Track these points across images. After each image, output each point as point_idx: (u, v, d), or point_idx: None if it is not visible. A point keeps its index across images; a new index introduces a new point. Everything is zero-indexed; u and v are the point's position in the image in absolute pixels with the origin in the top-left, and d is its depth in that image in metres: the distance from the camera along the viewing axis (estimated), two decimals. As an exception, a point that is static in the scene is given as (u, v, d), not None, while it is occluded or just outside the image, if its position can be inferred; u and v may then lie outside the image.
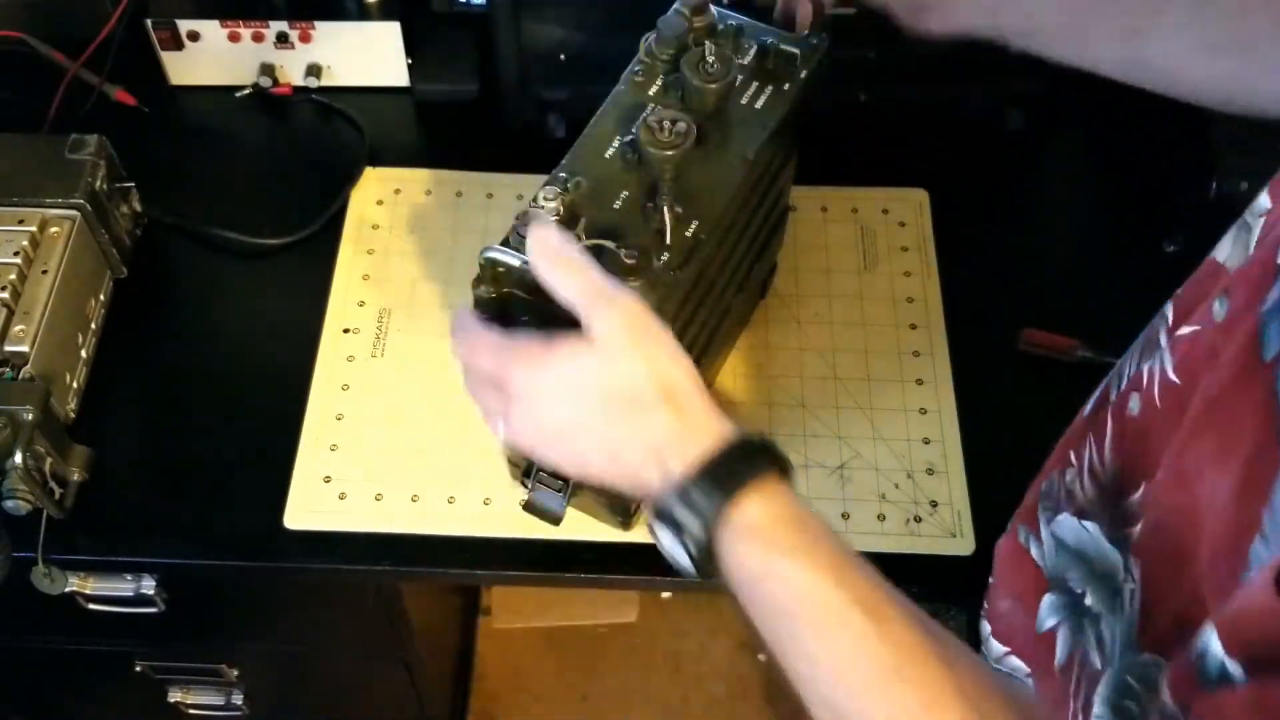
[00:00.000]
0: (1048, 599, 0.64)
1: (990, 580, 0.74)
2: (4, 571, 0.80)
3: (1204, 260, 0.56)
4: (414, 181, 1.02)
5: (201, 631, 1.07)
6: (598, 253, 0.63)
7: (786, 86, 0.73)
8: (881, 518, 0.84)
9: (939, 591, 0.81)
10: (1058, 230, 1.03)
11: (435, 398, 0.89)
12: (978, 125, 1.05)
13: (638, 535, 0.83)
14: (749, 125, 0.72)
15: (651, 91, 0.72)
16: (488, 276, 0.65)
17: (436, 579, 1.11)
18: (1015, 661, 0.68)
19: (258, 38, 1.03)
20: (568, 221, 0.65)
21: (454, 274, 0.96)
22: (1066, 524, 0.63)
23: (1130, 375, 0.59)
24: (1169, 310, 0.58)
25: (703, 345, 0.80)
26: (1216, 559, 0.45)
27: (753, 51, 0.74)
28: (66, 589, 0.90)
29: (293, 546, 0.83)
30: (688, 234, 0.67)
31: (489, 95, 1.05)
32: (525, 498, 0.79)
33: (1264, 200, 0.53)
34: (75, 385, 0.87)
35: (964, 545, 0.83)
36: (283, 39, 1.03)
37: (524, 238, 0.63)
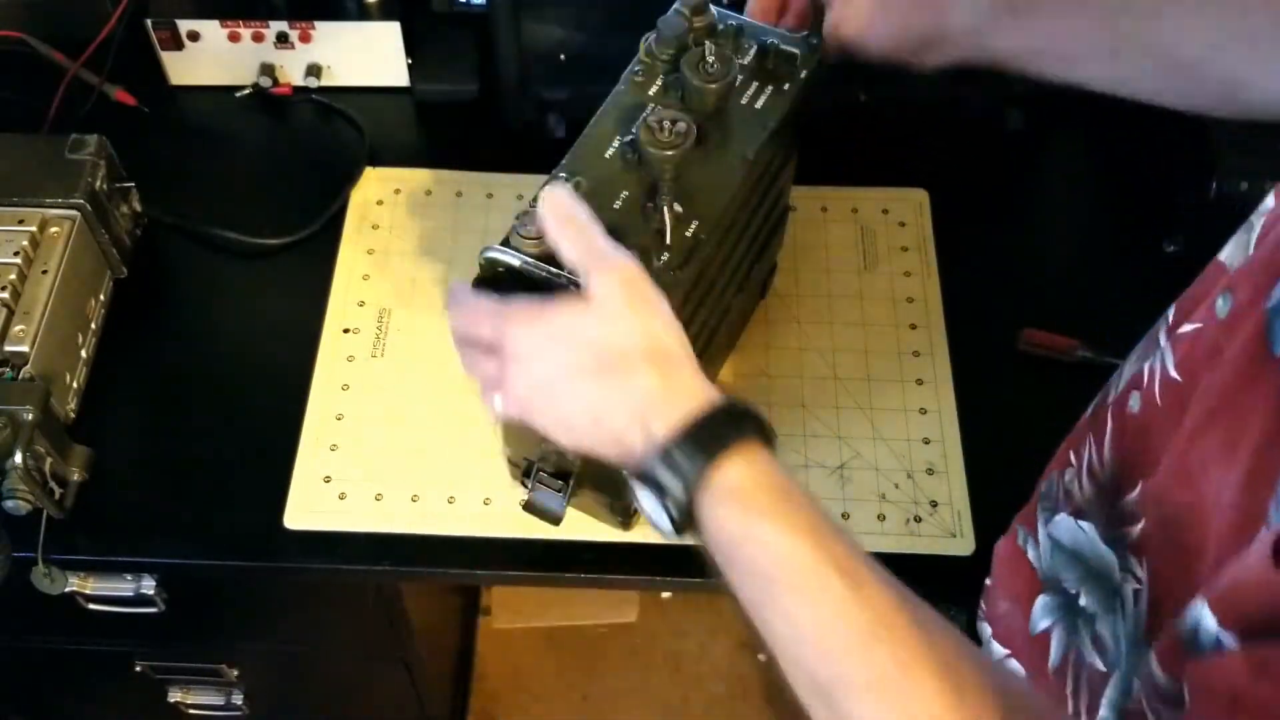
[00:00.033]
0: (1041, 600, 0.64)
1: (988, 581, 0.74)
2: (4, 571, 0.80)
3: (1210, 262, 0.57)
4: (414, 181, 1.02)
5: (201, 631, 1.07)
6: None
7: (786, 86, 0.73)
8: (881, 518, 0.84)
9: (939, 591, 0.80)
10: (1058, 230, 1.03)
11: (435, 398, 0.89)
12: (978, 125, 1.05)
13: (638, 535, 0.83)
14: (749, 125, 0.72)
15: (651, 91, 0.72)
16: (488, 276, 0.65)
17: (436, 579, 1.11)
18: (1015, 665, 0.68)
19: (258, 38, 1.03)
20: None
21: (454, 274, 0.95)
22: (1063, 524, 0.63)
23: (1130, 374, 0.60)
24: (1171, 311, 0.58)
25: (703, 345, 0.80)
26: (1224, 555, 0.45)
27: (753, 51, 0.74)
28: (66, 589, 0.90)
29: (293, 546, 0.83)
30: (688, 234, 0.67)
31: (489, 95, 1.05)
32: (525, 498, 0.79)
33: (1269, 202, 0.53)
34: (75, 385, 0.87)
35: (964, 545, 0.83)
36: (283, 39, 1.03)
37: (524, 238, 0.63)
